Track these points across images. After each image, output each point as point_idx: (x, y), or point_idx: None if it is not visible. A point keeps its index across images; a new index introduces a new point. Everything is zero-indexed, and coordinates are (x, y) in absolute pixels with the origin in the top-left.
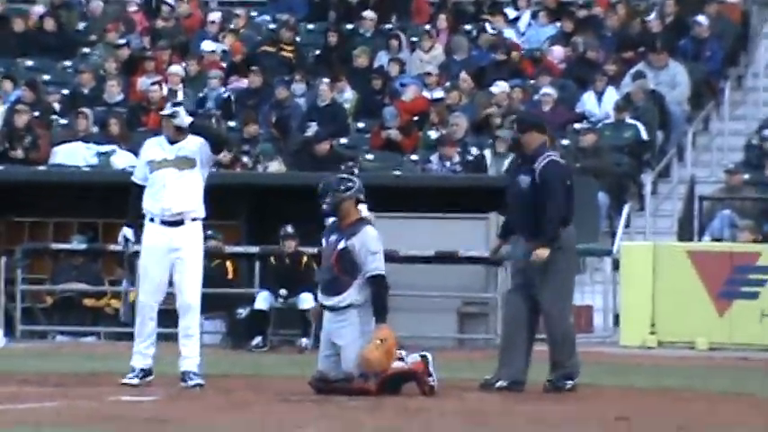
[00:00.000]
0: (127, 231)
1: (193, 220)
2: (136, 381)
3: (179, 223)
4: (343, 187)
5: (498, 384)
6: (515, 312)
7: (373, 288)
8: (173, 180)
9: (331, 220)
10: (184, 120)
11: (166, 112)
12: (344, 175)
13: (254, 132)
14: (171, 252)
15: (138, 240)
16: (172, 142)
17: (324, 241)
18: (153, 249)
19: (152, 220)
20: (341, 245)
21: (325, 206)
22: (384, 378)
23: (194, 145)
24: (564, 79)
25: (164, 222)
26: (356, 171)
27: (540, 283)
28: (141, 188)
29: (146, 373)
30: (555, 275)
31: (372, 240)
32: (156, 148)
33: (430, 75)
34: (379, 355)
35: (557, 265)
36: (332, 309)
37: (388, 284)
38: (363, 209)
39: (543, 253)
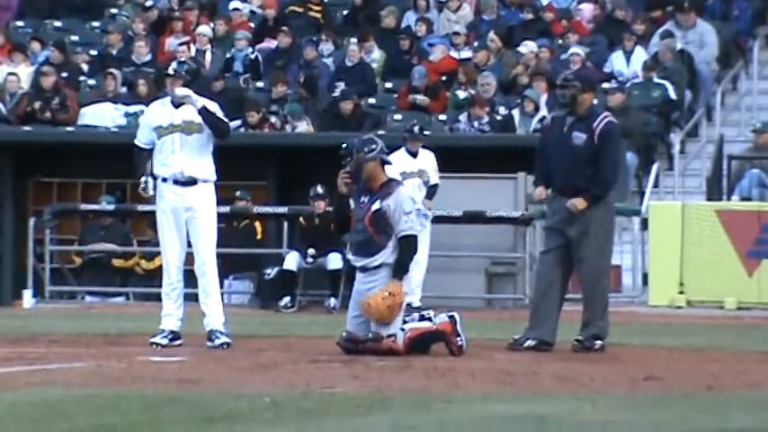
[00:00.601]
0: (147, 178)
1: (205, 181)
2: (165, 341)
3: (191, 183)
4: (366, 149)
5: (527, 344)
6: (548, 273)
7: (402, 247)
8: (182, 144)
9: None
10: (197, 103)
11: (170, 68)
12: (367, 137)
13: (283, 93)
14: (185, 211)
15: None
16: (177, 105)
17: (353, 203)
18: (167, 210)
19: (164, 180)
20: (375, 206)
21: (347, 167)
22: (412, 338)
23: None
24: (592, 38)
25: (176, 182)
26: (416, 130)
27: (580, 242)
28: (144, 150)
29: (174, 335)
30: (597, 234)
31: (407, 201)
32: (161, 112)
33: (458, 35)
34: (381, 306)
35: (600, 225)
36: (363, 269)
37: (417, 246)
38: (432, 171)
39: (581, 204)
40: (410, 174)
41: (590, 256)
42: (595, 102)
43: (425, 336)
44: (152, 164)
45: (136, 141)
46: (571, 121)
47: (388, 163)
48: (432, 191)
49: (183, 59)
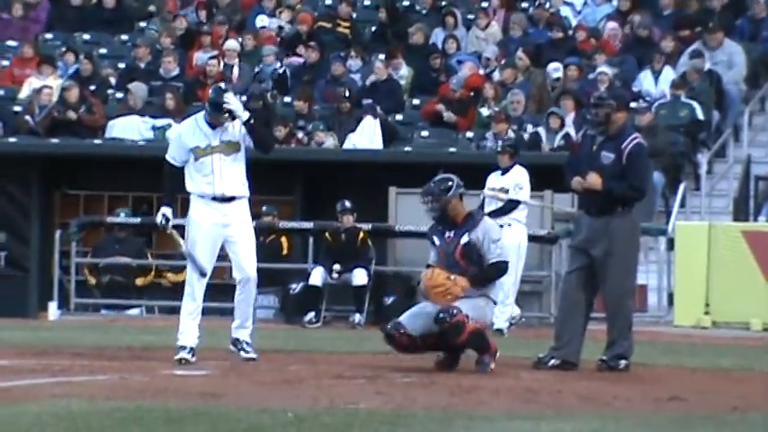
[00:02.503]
0: (166, 210)
1: (242, 197)
2: (192, 358)
3: (230, 200)
4: (443, 188)
5: (551, 363)
6: (573, 294)
7: (492, 269)
8: (222, 165)
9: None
10: (243, 116)
11: (226, 104)
12: (442, 176)
13: (305, 108)
14: (223, 227)
15: (177, 216)
16: (213, 125)
17: (436, 239)
18: (203, 225)
19: (201, 197)
20: (464, 239)
21: (431, 212)
22: (478, 329)
23: (237, 129)
24: (621, 58)
25: (215, 199)
26: (499, 143)
27: (604, 262)
28: (177, 168)
29: (194, 351)
30: (622, 254)
31: (494, 228)
32: (197, 133)
33: (489, 59)
34: (439, 280)
35: (624, 244)
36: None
37: (506, 270)
38: (513, 187)
39: (597, 181)
40: (491, 189)
41: (614, 277)
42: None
43: (484, 336)
44: (180, 182)
45: (170, 159)
46: (601, 140)
47: (465, 194)
48: (506, 206)
49: (222, 87)
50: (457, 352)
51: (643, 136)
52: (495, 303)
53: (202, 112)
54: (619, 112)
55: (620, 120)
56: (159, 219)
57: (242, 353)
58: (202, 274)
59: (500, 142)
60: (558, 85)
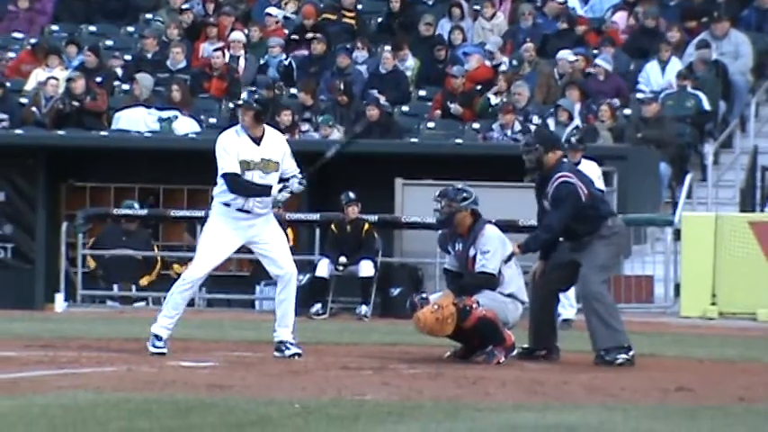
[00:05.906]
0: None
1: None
2: (165, 350)
3: (257, 216)
4: (460, 197)
5: (538, 353)
6: (545, 283)
7: (473, 278)
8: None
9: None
10: (296, 188)
11: (241, 97)
12: (463, 186)
13: (309, 101)
14: (248, 228)
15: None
16: (254, 139)
17: (450, 249)
18: (226, 227)
19: (227, 205)
20: (471, 252)
21: (438, 213)
22: (489, 317)
23: (279, 149)
24: (627, 48)
25: (240, 210)
26: (573, 140)
27: (581, 261)
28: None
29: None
30: (593, 249)
31: (489, 240)
32: (243, 146)
33: (491, 52)
34: (430, 319)
35: (597, 245)
36: None
37: (493, 284)
38: (595, 179)
39: (516, 250)
40: None
41: (586, 266)
42: (627, 111)
43: (495, 327)
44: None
45: (232, 171)
46: (538, 185)
47: (478, 213)
48: None
49: (253, 89)
50: (472, 344)
51: (650, 127)
52: (522, 303)
53: (239, 126)
54: (549, 153)
55: (552, 160)
56: (276, 193)
57: (286, 352)
58: None
59: (572, 139)
60: (566, 76)
